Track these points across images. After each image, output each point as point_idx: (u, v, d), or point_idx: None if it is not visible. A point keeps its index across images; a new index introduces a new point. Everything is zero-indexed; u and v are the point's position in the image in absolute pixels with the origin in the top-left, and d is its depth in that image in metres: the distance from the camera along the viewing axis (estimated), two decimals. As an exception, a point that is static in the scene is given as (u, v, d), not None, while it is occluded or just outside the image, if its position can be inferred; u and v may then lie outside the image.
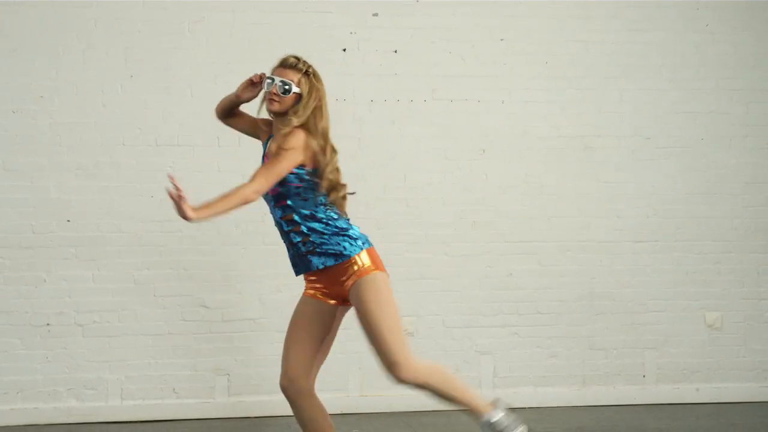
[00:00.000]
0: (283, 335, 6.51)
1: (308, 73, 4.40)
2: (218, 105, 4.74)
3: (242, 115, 4.74)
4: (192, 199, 4.15)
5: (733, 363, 7.05)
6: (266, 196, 4.41)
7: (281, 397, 6.50)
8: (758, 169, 7.14)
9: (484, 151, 6.85)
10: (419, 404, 6.61)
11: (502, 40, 6.89)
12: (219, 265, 6.49)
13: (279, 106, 4.34)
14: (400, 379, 4.28)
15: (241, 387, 6.48)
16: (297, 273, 4.46)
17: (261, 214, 6.50)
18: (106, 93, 6.42)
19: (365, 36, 6.73)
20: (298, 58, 4.44)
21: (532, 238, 6.88)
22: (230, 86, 6.48)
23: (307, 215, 4.35)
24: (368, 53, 6.74)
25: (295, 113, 4.32)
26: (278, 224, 4.43)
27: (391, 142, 6.75)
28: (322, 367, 6.68)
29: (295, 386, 4.48)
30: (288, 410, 6.47)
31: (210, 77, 6.53)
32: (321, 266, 4.33)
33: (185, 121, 6.49)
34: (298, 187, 4.32)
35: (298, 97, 4.36)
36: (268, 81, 4.35)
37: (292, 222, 4.36)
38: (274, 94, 4.33)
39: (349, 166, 6.64)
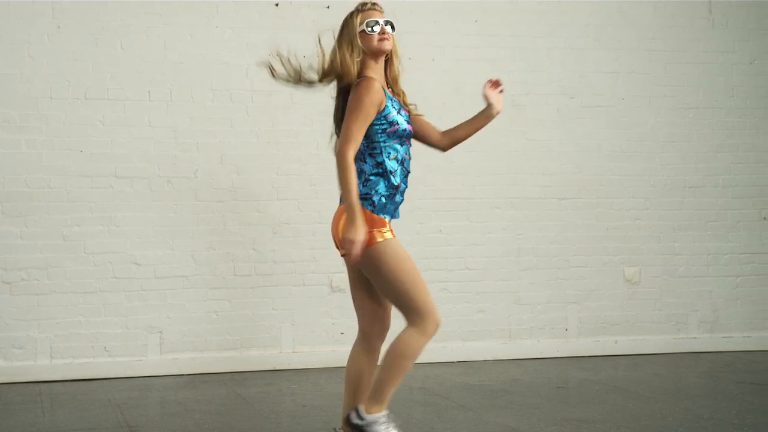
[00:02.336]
0: (216, 292, 6.56)
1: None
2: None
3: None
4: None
5: (650, 316, 7.31)
6: (406, 132, 4.16)
7: (214, 354, 6.53)
8: (676, 128, 7.37)
9: (415, 107, 6.86)
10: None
11: (433, -3, 6.92)
12: (151, 222, 6.40)
13: (389, 44, 4.16)
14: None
15: (173, 344, 6.44)
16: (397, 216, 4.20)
17: (193, 169, 6.46)
18: (33, 44, 6.22)
19: (298, -10, 6.68)
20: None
21: (462, 194, 6.98)
22: (162, 39, 6.44)
23: None
24: (301, 8, 6.68)
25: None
26: (405, 162, 4.16)
27: (324, 99, 6.69)
28: (255, 323, 6.73)
29: None
30: (221, 367, 6.51)
31: (141, 29, 6.38)
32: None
33: (115, 74, 6.35)
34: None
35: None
36: (374, 24, 4.12)
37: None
38: (387, 33, 4.15)
39: (282, 122, 6.67)
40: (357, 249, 3.88)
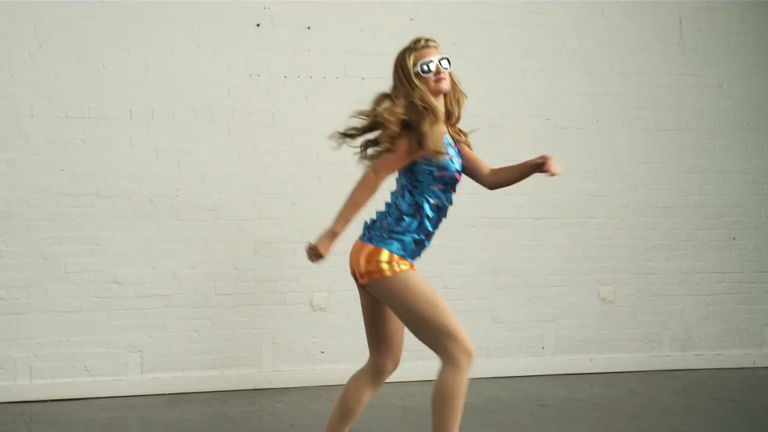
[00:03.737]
0: (197, 311, 6.53)
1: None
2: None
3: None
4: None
5: (624, 334, 7.41)
6: (453, 179, 3.98)
7: (195, 373, 6.50)
8: (648, 149, 7.50)
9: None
10: (332, 378, 6.69)
11: (411, 19, 6.98)
12: (132, 241, 6.38)
13: (446, 83, 4.00)
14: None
15: (154, 364, 6.41)
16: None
17: (175, 188, 6.46)
18: (14, 62, 6.19)
19: (278, 11, 6.71)
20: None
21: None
22: (143, 58, 6.44)
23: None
24: (282, 29, 6.72)
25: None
26: (444, 209, 4.01)
27: (305, 118, 6.77)
28: (236, 342, 6.72)
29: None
30: (202, 386, 6.48)
31: (122, 47, 6.38)
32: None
33: (96, 92, 6.33)
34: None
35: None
36: (428, 63, 3.93)
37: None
38: (442, 72, 3.96)
39: (263, 141, 6.70)
40: (313, 257, 3.90)
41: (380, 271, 3.82)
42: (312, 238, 6.64)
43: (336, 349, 6.77)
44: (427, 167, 3.88)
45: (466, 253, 7.09)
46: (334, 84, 6.82)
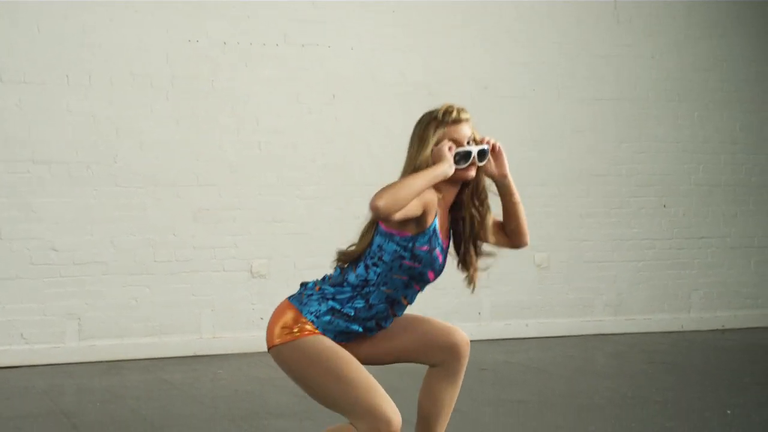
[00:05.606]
0: (135, 278, 6.50)
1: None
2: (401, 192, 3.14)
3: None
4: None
5: (558, 300, 7.56)
6: (422, 277, 3.19)
7: (134, 340, 6.47)
8: (582, 119, 7.62)
9: (334, 95, 6.96)
10: (271, 344, 6.71)
11: (351, -14, 6.98)
12: (69, 207, 6.30)
13: (473, 171, 3.25)
14: None
15: (92, 331, 6.36)
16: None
17: (113, 155, 6.39)
18: (-54, 24, 6.07)
19: (218, -24, 6.66)
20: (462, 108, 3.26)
21: (380, 180, 7.03)
22: (80, 22, 6.33)
23: None
24: (221, -7, 6.67)
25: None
26: (397, 305, 3.20)
27: (244, 85, 6.74)
28: (175, 309, 6.68)
29: None
30: (141, 353, 6.46)
31: (60, 12, 6.27)
32: None
33: (32, 56, 6.22)
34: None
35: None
36: (465, 153, 3.17)
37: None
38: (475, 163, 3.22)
39: (202, 108, 6.65)
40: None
41: (271, 336, 3.05)
42: (252, 205, 6.70)
43: (276, 316, 6.78)
44: (399, 248, 3.08)
45: (404, 220, 7.13)
46: (273, 51, 6.79)
